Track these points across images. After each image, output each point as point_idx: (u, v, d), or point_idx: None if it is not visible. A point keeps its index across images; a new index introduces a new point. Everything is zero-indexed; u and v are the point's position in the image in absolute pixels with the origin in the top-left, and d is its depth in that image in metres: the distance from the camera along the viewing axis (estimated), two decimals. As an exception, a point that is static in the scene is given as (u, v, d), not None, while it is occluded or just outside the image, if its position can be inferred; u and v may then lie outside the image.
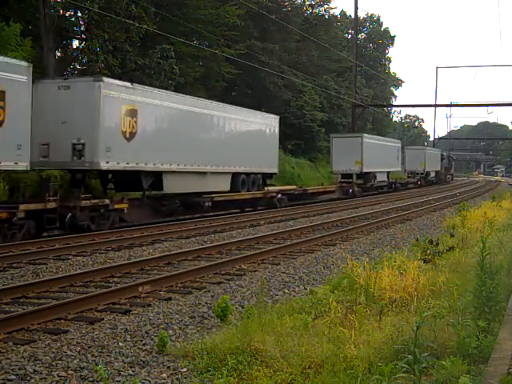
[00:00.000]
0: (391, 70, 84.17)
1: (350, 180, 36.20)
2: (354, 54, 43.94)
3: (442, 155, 62.76)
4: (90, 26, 28.20)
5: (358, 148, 36.04)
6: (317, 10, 55.88)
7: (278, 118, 27.97)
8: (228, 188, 22.94)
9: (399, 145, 46.97)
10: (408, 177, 52.30)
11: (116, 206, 17.05)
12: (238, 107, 25.29)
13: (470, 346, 5.55)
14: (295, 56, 48.88)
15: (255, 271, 11.10)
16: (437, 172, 59.24)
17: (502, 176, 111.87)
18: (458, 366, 5.04)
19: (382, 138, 46.60)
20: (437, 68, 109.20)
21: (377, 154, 38.07)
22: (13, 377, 5.60)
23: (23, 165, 14.60)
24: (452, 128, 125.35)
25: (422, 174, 52.94)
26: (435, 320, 6.31)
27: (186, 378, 5.69)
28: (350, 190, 35.31)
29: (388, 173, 42.25)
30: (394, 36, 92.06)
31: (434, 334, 5.85)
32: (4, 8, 25.89)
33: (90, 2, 25.62)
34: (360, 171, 36.10)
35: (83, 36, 30.53)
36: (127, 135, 17.31)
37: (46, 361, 6.04)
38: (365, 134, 38.67)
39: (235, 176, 23.41)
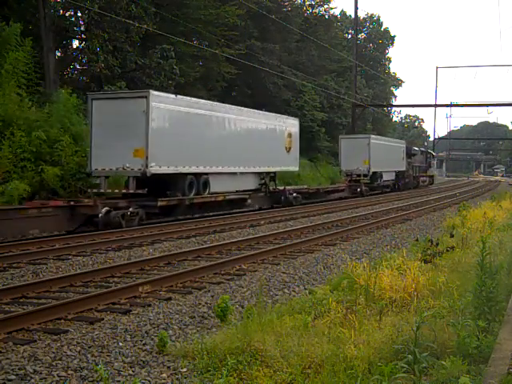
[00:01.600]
0: (391, 70, 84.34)
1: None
2: (354, 54, 43.95)
3: (410, 149, 48.51)
4: (90, 25, 28.22)
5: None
6: (317, 10, 55.96)
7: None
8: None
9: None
10: (349, 181, 37.37)
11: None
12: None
13: (470, 345, 5.55)
14: (295, 56, 48.90)
15: (255, 271, 11.10)
16: (399, 173, 44.17)
17: (502, 176, 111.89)
18: (458, 365, 5.04)
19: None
20: (437, 68, 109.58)
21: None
22: (13, 377, 5.60)
23: None
24: (452, 128, 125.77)
25: (365, 176, 37.45)
26: (435, 320, 6.31)
27: (186, 378, 5.69)
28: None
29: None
30: (394, 36, 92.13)
31: (434, 334, 5.84)
32: (4, 8, 25.90)
33: (89, 1, 25.65)
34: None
35: (83, 36, 30.55)
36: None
37: (45, 361, 6.04)
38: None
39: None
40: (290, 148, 27.80)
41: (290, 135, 27.80)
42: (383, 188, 41.07)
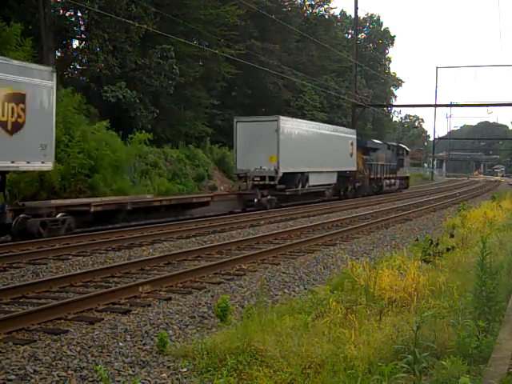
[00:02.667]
0: (391, 70, 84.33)
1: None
2: (353, 54, 43.90)
3: (365, 143, 37.73)
4: (90, 25, 28.24)
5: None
6: (317, 10, 55.95)
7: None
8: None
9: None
10: (253, 185, 25.97)
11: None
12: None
13: (470, 345, 5.55)
14: (295, 56, 48.89)
15: (255, 271, 11.10)
16: (344, 175, 33.33)
17: (502, 176, 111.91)
18: (457, 365, 5.04)
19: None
20: (437, 68, 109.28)
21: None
22: (13, 377, 5.60)
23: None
24: (452, 128, 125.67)
25: (271, 178, 25.63)
26: (435, 320, 6.31)
27: (186, 378, 5.69)
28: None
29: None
30: (394, 36, 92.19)
31: (433, 334, 5.84)
32: (4, 8, 25.91)
33: (90, 1, 25.66)
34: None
35: (83, 36, 30.56)
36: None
37: (46, 361, 6.04)
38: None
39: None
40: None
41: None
42: (312, 196, 29.91)
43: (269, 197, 25.24)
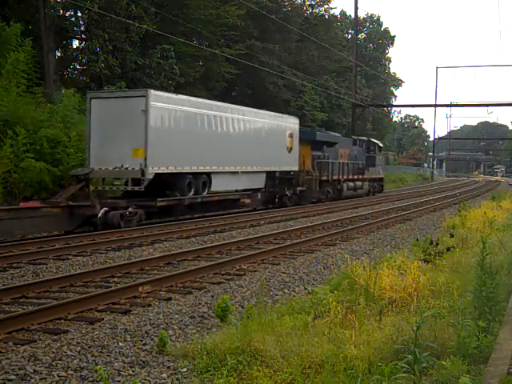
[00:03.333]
0: (391, 70, 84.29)
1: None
2: (353, 54, 43.91)
3: (313, 134, 29.77)
4: (90, 25, 28.25)
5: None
6: (317, 10, 55.90)
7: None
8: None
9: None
10: (96, 193, 18.21)
11: None
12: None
13: (470, 346, 5.55)
14: (295, 56, 48.88)
15: (255, 271, 11.10)
16: (289, 177, 26.54)
17: (502, 176, 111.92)
18: (458, 365, 5.04)
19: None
20: (437, 68, 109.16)
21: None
22: (13, 377, 5.60)
23: None
24: (452, 128, 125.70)
25: (136, 184, 17.70)
26: (435, 320, 6.31)
27: (185, 378, 5.68)
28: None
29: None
30: (394, 36, 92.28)
31: (434, 334, 5.84)
32: (4, 8, 25.92)
33: (90, 1, 25.66)
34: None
35: (83, 36, 30.57)
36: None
37: (45, 361, 6.04)
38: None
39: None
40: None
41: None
42: (220, 206, 21.91)
43: (130, 209, 16.94)
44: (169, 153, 18.27)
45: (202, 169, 20.13)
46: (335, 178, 31.37)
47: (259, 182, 24.21)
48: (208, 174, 20.58)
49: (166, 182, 18.69)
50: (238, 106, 23.85)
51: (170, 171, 18.51)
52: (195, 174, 19.88)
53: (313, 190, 28.49)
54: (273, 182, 25.37)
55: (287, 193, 26.40)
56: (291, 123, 26.99)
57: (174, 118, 18.65)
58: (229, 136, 21.69)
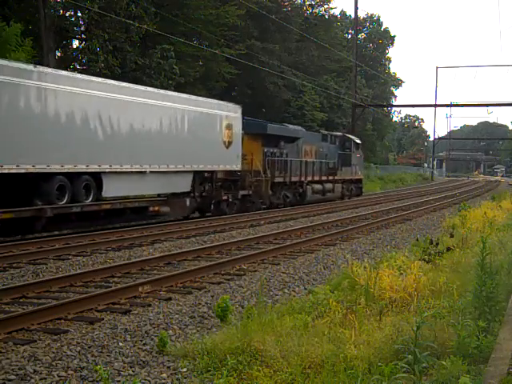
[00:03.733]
0: (391, 70, 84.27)
1: None
2: (353, 54, 43.89)
3: (264, 127, 24.70)
4: (90, 25, 28.24)
5: None
6: (317, 10, 55.90)
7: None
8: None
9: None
10: None
11: None
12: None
13: (470, 346, 5.54)
14: (295, 56, 48.88)
15: (255, 271, 11.10)
16: (229, 178, 22.33)
17: (502, 176, 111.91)
18: (458, 365, 5.04)
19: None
20: (437, 68, 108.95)
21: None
22: (13, 377, 5.60)
23: None
24: (452, 128, 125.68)
25: None
26: (435, 320, 6.31)
27: (185, 378, 5.69)
28: None
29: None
30: (394, 36, 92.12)
31: (434, 334, 5.84)
32: (4, 8, 25.92)
33: (90, 1, 25.66)
34: None
35: (83, 36, 30.57)
36: None
37: (46, 361, 6.04)
38: None
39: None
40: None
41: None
42: (112, 217, 17.27)
43: None
44: (20, 145, 13.92)
45: (82, 168, 15.66)
46: (295, 179, 26.35)
47: (182, 185, 19.47)
48: (95, 175, 16.16)
49: (23, 186, 14.46)
50: (146, 88, 19.25)
51: (23, 170, 14.05)
52: (72, 175, 15.42)
53: (262, 194, 23.71)
54: (206, 185, 20.88)
55: (226, 197, 21.58)
56: (230, 112, 21.81)
57: (33, 97, 14.37)
58: (130, 126, 17.24)
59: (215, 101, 22.48)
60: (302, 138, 27.68)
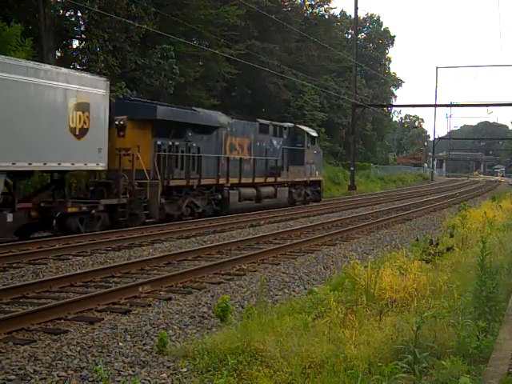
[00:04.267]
0: (391, 70, 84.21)
1: None
2: (353, 54, 43.89)
3: (144, 109, 18.09)
4: (90, 25, 28.22)
5: None
6: (317, 10, 55.86)
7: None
8: None
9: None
10: None
11: None
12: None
13: (470, 346, 5.54)
14: (295, 56, 48.86)
15: (255, 271, 11.11)
16: (103, 182, 17.15)
17: (502, 176, 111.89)
18: (458, 365, 5.04)
19: None
20: (437, 68, 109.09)
21: None
22: (13, 377, 5.60)
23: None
24: (452, 128, 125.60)
25: None
26: (435, 320, 6.31)
27: (186, 378, 5.69)
28: None
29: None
30: (394, 36, 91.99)
31: (434, 334, 5.85)
32: (4, 8, 25.91)
33: (90, 1, 25.64)
34: None
35: (83, 36, 30.55)
36: None
37: (46, 361, 6.04)
38: None
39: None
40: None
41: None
42: None
43: None
44: None
45: None
46: (209, 182, 20.42)
47: None
48: None
49: None
50: None
51: None
52: None
53: (150, 203, 17.44)
54: (41, 191, 15.86)
55: (77, 209, 15.34)
56: (85, 86, 15.44)
57: None
58: None
59: (56, 68, 15.42)
60: (227, 128, 21.60)
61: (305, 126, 31.16)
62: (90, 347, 6.49)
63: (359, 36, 72.59)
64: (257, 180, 23.23)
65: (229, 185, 21.53)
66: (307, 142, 27.25)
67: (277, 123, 26.46)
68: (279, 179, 24.71)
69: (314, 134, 29.09)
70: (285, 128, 26.48)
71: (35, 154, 14.06)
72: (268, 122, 25.67)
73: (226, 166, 21.39)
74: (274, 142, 25.13)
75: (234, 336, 6.19)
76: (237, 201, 21.89)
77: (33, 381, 5.55)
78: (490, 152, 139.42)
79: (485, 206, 21.92)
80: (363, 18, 76.32)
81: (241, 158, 22.40)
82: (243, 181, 22.33)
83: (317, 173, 28.78)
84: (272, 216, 21.84)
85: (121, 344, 6.63)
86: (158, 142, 18.35)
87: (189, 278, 10.15)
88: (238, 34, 39.63)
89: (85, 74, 16.79)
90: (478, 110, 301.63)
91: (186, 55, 34.87)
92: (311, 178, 28.00)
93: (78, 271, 10.73)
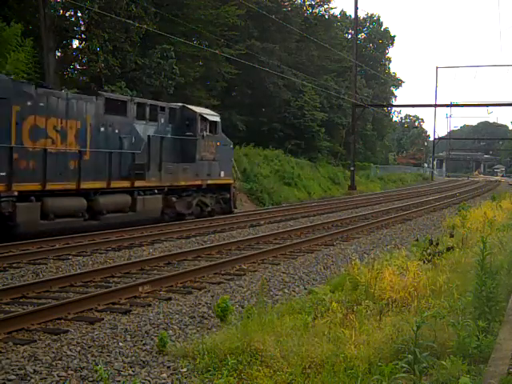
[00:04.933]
0: (391, 70, 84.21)
1: None
2: (353, 54, 43.89)
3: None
4: (90, 25, 28.21)
5: None
6: (317, 10, 55.86)
7: None
8: None
9: None
10: None
11: None
12: None
13: (470, 346, 5.55)
14: (295, 56, 48.86)
15: (255, 271, 11.10)
16: None
17: (502, 176, 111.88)
18: (458, 365, 5.04)
19: None
20: (437, 68, 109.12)
21: None
22: (13, 377, 5.60)
23: None
24: (452, 128, 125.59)
25: None
26: (435, 320, 6.31)
27: (186, 378, 5.69)
28: None
29: None
30: (394, 36, 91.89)
31: (434, 334, 5.84)
32: (4, 8, 25.91)
33: (90, 1, 25.63)
34: None
35: (83, 36, 30.53)
36: None
37: (46, 361, 6.04)
38: None
39: None
40: None
41: None
42: None
43: None
44: None
45: None
46: None
47: None
48: None
49: None
50: None
51: None
52: None
53: None
54: None
55: None
56: None
57: None
58: None
59: None
60: (26, 102, 13.79)
61: (203, 107, 22.78)
62: (89, 347, 6.49)
63: (359, 36, 72.58)
64: (88, 185, 15.52)
65: (15, 193, 13.42)
66: (203, 130, 19.64)
67: (147, 101, 18.78)
68: (141, 183, 17.13)
69: (215, 118, 20.65)
70: (162, 108, 18.69)
71: None
72: (126, 97, 18.74)
73: (16, 165, 13.47)
74: (139, 129, 17.58)
75: (233, 336, 6.19)
76: (36, 219, 14.02)
77: (33, 381, 5.55)
78: (490, 152, 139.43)
79: (485, 206, 21.91)
80: (363, 18, 76.30)
81: (56, 151, 14.61)
82: (55, 186, 14.54)
83: (222, 173, 20.90)
84: (272, 216, 21.84)
85: (121, 344, 6.63)
86: None
87: (189, 278, 10.15)
88: (238, 34, 39.62)
89: None
90: (478, 110, 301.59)
91: (186, 55, 34.87)
92: (211, 181, 20.20)
93: (78, 271, 10.72)
